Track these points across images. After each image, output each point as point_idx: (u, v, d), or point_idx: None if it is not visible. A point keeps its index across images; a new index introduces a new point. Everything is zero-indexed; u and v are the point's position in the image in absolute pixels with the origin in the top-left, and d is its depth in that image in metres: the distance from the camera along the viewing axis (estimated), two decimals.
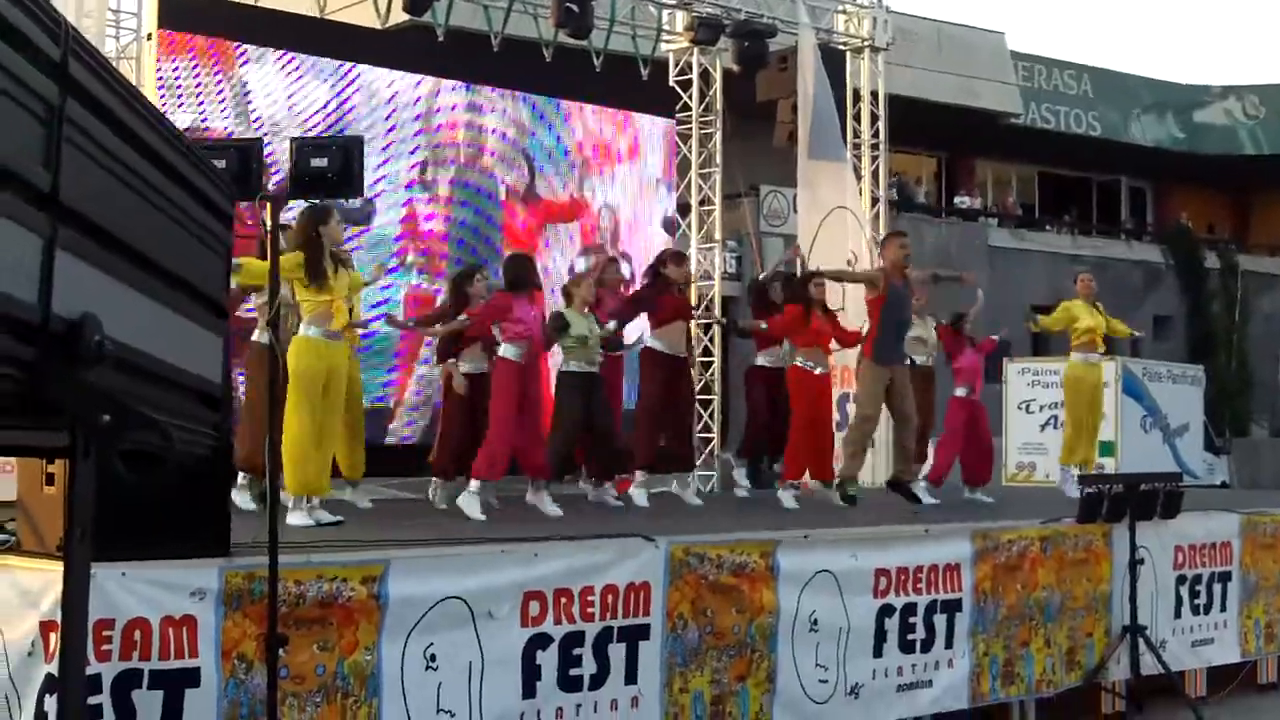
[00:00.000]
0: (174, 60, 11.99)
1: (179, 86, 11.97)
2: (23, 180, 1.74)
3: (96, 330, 1.84)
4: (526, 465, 10.08)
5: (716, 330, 15.74)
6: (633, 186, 15.43)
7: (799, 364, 11.62)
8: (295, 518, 8.32)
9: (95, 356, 1.84)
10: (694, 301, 15.51)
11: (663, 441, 11.29)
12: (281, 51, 12.74)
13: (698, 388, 15.46)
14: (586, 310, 10.47)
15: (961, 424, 12.52)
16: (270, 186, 6.82)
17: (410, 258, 13.47)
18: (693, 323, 14.85)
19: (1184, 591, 10.72)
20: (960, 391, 12.60)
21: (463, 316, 10.18)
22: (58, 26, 1.81)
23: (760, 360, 12.71)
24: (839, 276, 12.62)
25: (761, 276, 14.04)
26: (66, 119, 1.84)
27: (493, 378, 9.99)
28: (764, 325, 12.23)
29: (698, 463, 15.35)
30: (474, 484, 9.60)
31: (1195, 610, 10.81)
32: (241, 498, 9.26)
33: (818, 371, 11.61)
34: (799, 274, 12.88)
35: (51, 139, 1.81)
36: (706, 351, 15.76)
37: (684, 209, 16.08)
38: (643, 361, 11.47)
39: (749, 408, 13.01)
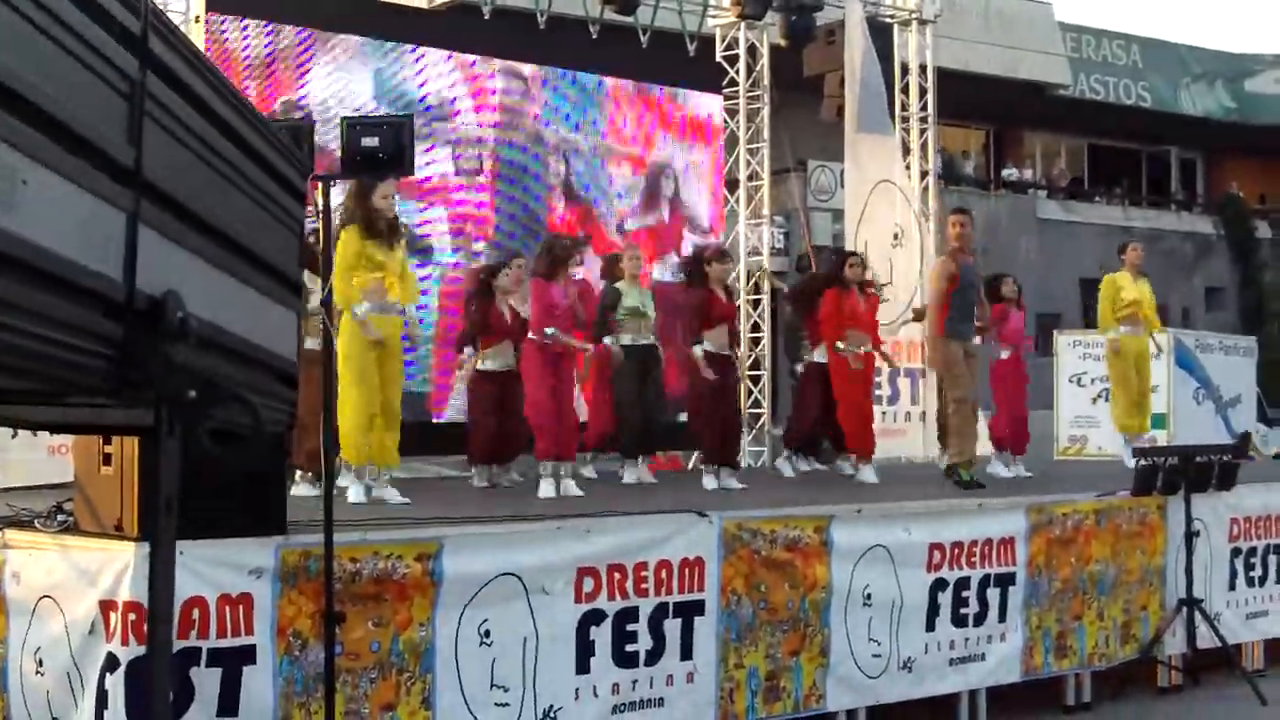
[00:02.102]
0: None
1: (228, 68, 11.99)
2: (107, 155, 1.74)
3: (179, 307, 1.85)
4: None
5: (766, 305, 15.69)
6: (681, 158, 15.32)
7: (840, 348, 11.36)
8: (352, 494, 8.30)
9: (179, 333, 1.85)
10: (743, 278, 15.45)
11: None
12: (327, 33, 12.74)
13: (748, 363, 15.42)
14: (636, 282, 10.41)
15: (1001, 387, 12.41)
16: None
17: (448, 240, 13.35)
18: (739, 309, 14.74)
19: (1239, 564, 10.67)
20: (1003, 354, 12.49)
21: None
22: (138, 0, 1.81)
23: (816, 357, 12.43)
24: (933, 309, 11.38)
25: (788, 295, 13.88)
26: (148, 94, 1.85)
27: (523, 360, 9.95)
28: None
29: (748, 438, 15.32)
30: (566, 466, 9.64)
31: (1250, 583, 10.76)
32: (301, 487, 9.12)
33: (861, 351, 11.44)
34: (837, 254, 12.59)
35: (133, 114, 1.81)
36: (756, 327, 15.72)
37: (732, 185, 16.02)
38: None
39: (800, 404, 12.81)
